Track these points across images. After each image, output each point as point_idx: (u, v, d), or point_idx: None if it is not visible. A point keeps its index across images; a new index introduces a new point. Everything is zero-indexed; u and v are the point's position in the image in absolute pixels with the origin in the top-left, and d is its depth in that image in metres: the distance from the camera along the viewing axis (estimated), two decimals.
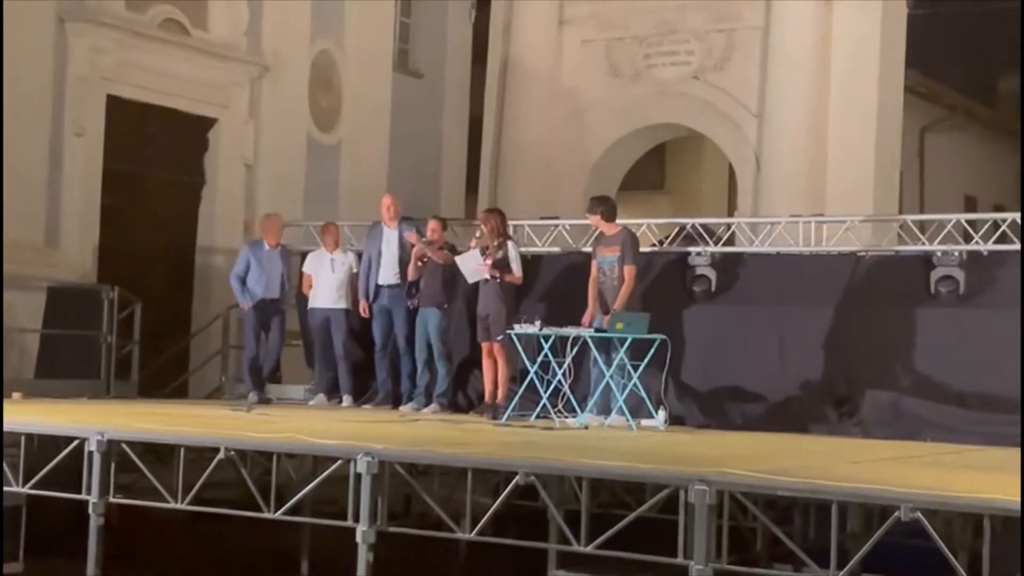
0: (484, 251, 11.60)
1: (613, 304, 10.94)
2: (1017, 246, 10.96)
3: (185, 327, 15.28)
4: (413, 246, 12.12)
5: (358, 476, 7.51)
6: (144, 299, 13.76)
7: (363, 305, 12.57)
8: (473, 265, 11.62)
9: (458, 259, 11.82)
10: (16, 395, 11.61)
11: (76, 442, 8.49)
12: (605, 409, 10.91)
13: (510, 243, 11.72)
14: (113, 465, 8.40)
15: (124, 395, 12.91)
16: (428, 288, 12.13)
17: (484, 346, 11.64)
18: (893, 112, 17.72)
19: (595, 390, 10.93)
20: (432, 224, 12.35)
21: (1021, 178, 20.46)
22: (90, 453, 8.34)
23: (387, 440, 8.20)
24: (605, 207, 11.30)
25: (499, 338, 11.37)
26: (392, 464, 7.59)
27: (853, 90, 17.12)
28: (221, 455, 8.00)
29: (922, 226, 12.04)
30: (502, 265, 11.49)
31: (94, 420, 9.15)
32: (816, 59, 17.18)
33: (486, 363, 11.67)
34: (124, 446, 8.38)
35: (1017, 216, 11.24)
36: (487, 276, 11.52)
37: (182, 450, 8.24)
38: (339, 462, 7.75)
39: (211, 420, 9.78)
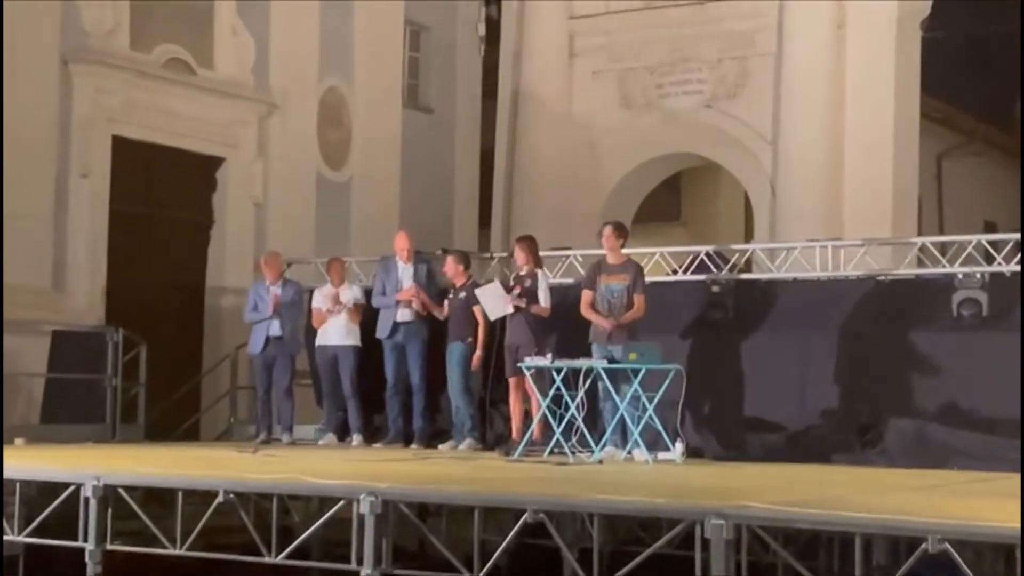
0: (514, 281, 11.33)
1: (616, 336, 10.68)
2: None
3: (196, 369, 15.06)
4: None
5: (361, 517, 7.24)
6: (154, 341, 13.59)
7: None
8: (495, 299, 11.29)
9: (479, 292, 11.51)
10: (19, 441, 11.41)
11: (72, 488, 8.24)
12: (621, 443, 10.63)
13: (540, 272, 11.49)
14: (110, 511, 8.12)
15: (130, 439, 12.71)
16: (454, 322, 11.91)
17: (512, 381, 11.32)
18: (910, 137, 17.47)
19: (610, 423, 10.66)
20: (448, 262, 12.07)
21: (1021, 200, 20.16)
22: (86, 499, 8.08)
23: (393, 479, 7.93)
24: (614, 225, 11.06)
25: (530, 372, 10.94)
26: (397, 504, 7.31)
27: (868, 115, 16.90)
28: (220, 498, 7.74)
29: (942, 249, 11.77)
30: (531, 296, 11.24)
31: (92, 464, 8.89)
32: (830, 84, 16.98)
33: (514, 397, 11.34)
34: (121, 491, 8.10)
35: None
36: (511, 310, 11.22)
37: (180, 494, 7.97)
38: (342, 503, 7.47)
39: (212, 462, 9.54)
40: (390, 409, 12.41)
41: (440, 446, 11.91)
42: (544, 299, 11.33)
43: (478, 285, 11.99)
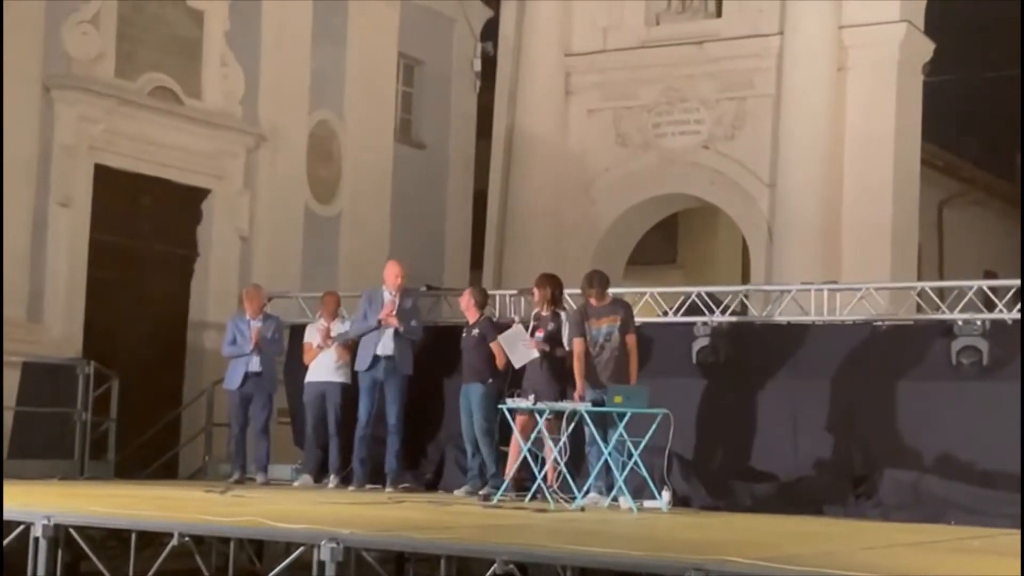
0: (536, 322, 10.88)
1: (610, 376, 10.28)
2: None
3: (176, 405, 14.67)
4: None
5: (321, 564, 6.83)
6: (133, 375, 13.26)
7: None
8: (518, 345, 10.78)
9: (501, 339, 10.96)
10: None
11: (22, 527, 7.82)
12: (605, 489, 10.22)
13: (564, 314, 10.99)
14: (60, 552, 7.70)
15: (99, 476, 12.29)
16: (470, 362, 11.45)
17: (518, 421, 10.69)
18: (910, 180, 17.19)
19: (594, 469, 10.25)
20: (464, 296, 11.68)
21: (1021, 246, 19.87)
22: (35, 539, 7.67)
23: (359, 524, 7.52)
24: (597, 282, 10.55)
25: (549, 417, 10.40)
26: (359, 551, 6.90)
27: (868, 158, 16.63)
28: (175, 540, 7.33)
29: (941, 295, 11.41)
30: (553, 339, 10.79)
31: (46, 503, 8.47)
32: (830, 127, 16.70)
33: (515, 440, 10.81)
34: (72, 531, 7.69)
35: None
36: (535, 354, 10.75)
37: (133, 535, 7.57)
38: (302, 549, 7.07)
39: (174, 502, 9.10)
40: (358, 449, 11.88)
41: (456, 492, 11.39)
42: (567, 341, 10.76)
43: (491, 322, 11.59)
